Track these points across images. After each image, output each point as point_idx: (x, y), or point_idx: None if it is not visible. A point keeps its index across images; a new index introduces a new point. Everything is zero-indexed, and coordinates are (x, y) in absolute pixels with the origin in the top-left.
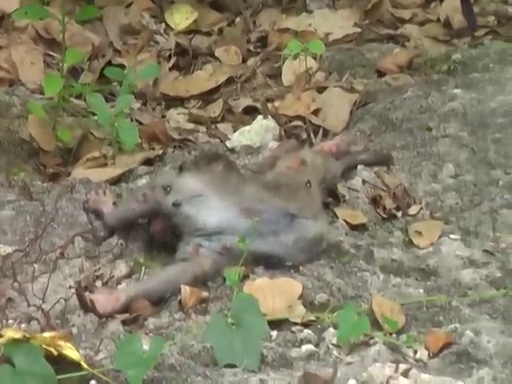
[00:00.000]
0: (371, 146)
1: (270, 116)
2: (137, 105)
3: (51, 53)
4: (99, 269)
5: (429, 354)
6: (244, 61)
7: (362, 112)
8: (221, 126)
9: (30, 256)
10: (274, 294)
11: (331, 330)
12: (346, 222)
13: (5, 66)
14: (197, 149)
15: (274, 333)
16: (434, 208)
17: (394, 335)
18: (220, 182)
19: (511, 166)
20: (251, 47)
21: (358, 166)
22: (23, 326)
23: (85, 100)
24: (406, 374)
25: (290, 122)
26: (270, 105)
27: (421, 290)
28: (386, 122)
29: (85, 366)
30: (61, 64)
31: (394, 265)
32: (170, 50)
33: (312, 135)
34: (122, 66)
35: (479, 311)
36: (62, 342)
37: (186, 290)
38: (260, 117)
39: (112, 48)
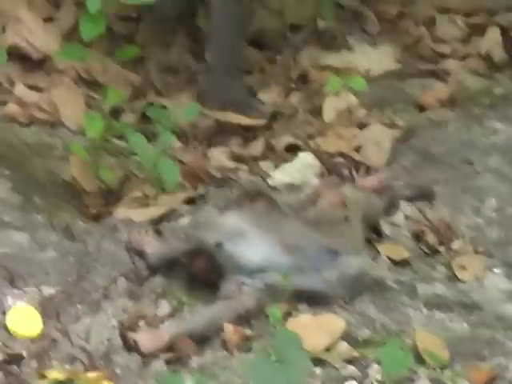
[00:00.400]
0: (413, 181)
1: (311, 153)
2: (178, 144)
3: (92, 94)
4: (142, 309)
5: None
6: (285, 98)
7: (403, 147)
8: (262, 164)
9: (73, 297)
10: (317, 330)
11: (375, 365)
12: (389, 258)
13: (46, 108)
14: (238, 187)
15: (318, 369)
16: (476, 242)
17: (437, 370)
18: (262, 219)
19: None
20: (292, 84)
21: (400, 202)
22: (67, 366)
23: (126, 140)
24: None
25: (332, 158)
26: (311, 142)
27: (465, 325)
28: (428, 157)
29: None
30: (102, 105)
31: (438, 299)
32: None
33: (353, 171)
34: (163, 106)
35: None
36: (105, 382)
37: (229, 328)
38: (301, 154)
39: (153, 88)
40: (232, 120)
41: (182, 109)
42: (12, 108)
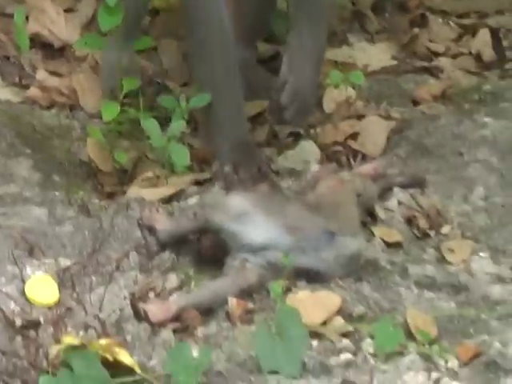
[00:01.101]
0: (406, 170)
1: (311, 141)
2: (188, 129)
3: None
4: (152, 281)
5: (459, 364)
6: None
7: (398, 138)
8: (266, 150)
9: (88, 269)
10: (315, 306)
11: (368, 340)
12: (383, 240)
13: (66, 93)
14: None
15: (315, 342)
16: (464, 228)
17: (426, 346)
18: (265, 201)
19: None
20: None
21: (394, 188)
22: (81, 333)
23: (140, 125)
24: (437, 382)
25: (331, 146)
26: (312, 131)
27: (452, 304)
28: (421, 148)
29: (138, 371)
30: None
31: (427, 280)
32: None
33: (351, 159)
34: (175, 93)
35: (507, 324)
36: (117, 349)
37: (232, 301)
38: (303, 142)
39: (166, 76)
40: None
41: (193, 98)
42: (34, 91)
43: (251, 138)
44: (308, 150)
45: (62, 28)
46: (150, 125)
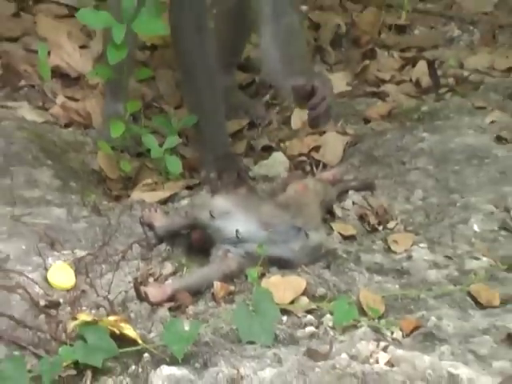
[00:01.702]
0: (359, 176)
1: (281, 153)
2: (180, 142)
3: None
4: (151, 268)
5: (403, 335)
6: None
7: (352, 150)
8: (245, 160)
9: (99, 258)
10: (285, 288)
11: (328, 316)
12: (340, 234)
13: (81, 114)
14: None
15: (285, 318)
16: (407, 223)
17: (376, 320)
18: (244, 202)
19: (466, 192)
20: (269, 100)
21: (349, 191)
22: (93, 311)
23: (141, 140)
24: (385, 349)
25: (297, 157)
26: (282, 144)
27: (397, 286)
28: (371, 158)
29: (140, 342)
30: (123, 112)
31: (376, 266)
32: None
33: (314, 167)
34: (169, 114)
35: (441, 302)
36: (122, 324)
37: (217, 284)
38: (274, 153)
39: (163, 101)
40: None
41: (184, 118)
42: (57, 109)
43: (232, 150)
44: (278, 160)
45: (77, 61)
46: (150, 140)
